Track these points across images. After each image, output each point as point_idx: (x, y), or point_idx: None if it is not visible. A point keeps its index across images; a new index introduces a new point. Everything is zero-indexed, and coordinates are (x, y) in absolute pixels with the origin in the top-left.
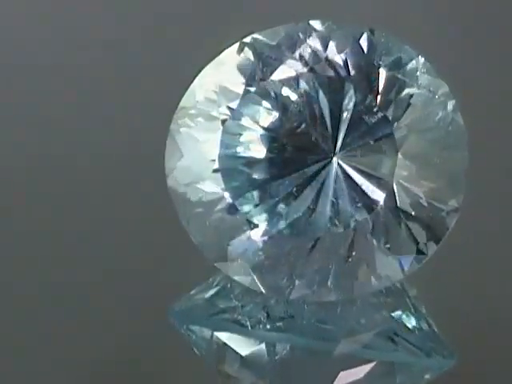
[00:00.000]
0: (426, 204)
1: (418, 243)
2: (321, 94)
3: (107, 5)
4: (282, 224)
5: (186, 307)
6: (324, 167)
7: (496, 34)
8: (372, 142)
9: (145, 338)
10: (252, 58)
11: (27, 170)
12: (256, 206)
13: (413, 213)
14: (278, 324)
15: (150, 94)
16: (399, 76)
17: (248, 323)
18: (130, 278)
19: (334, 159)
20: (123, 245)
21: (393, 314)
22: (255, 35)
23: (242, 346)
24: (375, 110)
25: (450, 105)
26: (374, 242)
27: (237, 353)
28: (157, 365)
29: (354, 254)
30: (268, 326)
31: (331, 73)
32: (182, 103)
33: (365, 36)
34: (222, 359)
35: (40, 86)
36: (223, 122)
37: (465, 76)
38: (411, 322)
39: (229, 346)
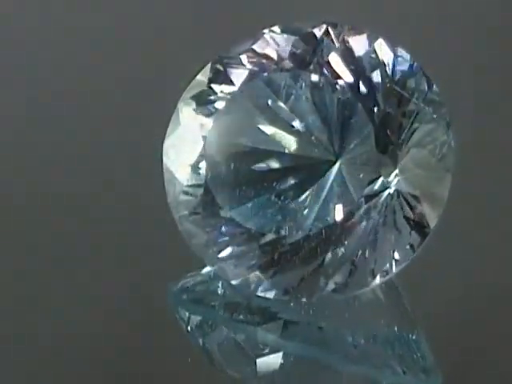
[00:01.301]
0: (408, 221)
1: (394, 257)
2: (328, 96)
3: (107, 5)
4: (257, 220)
5: (180, 288)
6: (322, 169)
7: (496, 34)
8: (372, 152)
9: (145, 337)
10: (265, 48)
11: (27, 170)
12: (236, 199)
13: (396, 227)
14: (251, 316)
15: (150, 93)
16: (401, 91)
17: (222, 310)
18: (130, 278)
19: (337, 164)
20: (123, 245)
21: (386, 329)
22: (275, 27)
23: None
24: (377, 120)
25: (447, 125)
26: (351, 250)
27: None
28: (157, 365)
29: (327, 259)
30: (241, 317)
31: (343, 78)
32: (195, 79)
33: (377, 45)
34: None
35: (40, 86)
36: (222, 105)
37: (464, 76)
38: (401, 341)
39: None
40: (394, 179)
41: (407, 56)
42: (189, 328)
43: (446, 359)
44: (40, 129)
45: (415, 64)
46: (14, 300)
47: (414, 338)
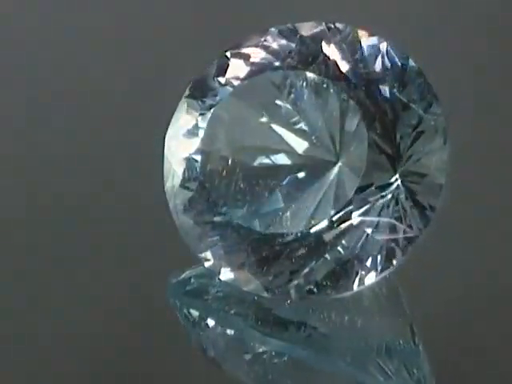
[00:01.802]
0: (395, 228)
1: (384, 260)
2: (332, 97)
3: (107, 5)
4: (243, 216)
5: (180, 280)
6: (322, 170)
7: (496, 34)
8: (372, 157)
9: (145, 337)
10: (271, 44)
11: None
12: (232, 195)
13: (389, 232)
14: (244, 311)
15: (150, 93)
16: (403, 98)
17: (215, 303)
18: (130, 278)
19: (337, 165)
20: (124, 245)
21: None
22: (283, 25)
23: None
24: (379, 125)
25: (444, 135)
26: (345, 251)
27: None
28: (157, 365)
29: (320, 260)
30: (232, 311)
31: (348, 79)
32: (200, 73)
33: (385, 49)
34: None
35: (40, 86)
36: (224, 99)
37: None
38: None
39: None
40: (393, 185)
41: (413, 63)
42: (183, 322)
43: (444, 361)
44: (40, 129)
45: (420, 72)
46: (14, 300)
47: (411, 346)
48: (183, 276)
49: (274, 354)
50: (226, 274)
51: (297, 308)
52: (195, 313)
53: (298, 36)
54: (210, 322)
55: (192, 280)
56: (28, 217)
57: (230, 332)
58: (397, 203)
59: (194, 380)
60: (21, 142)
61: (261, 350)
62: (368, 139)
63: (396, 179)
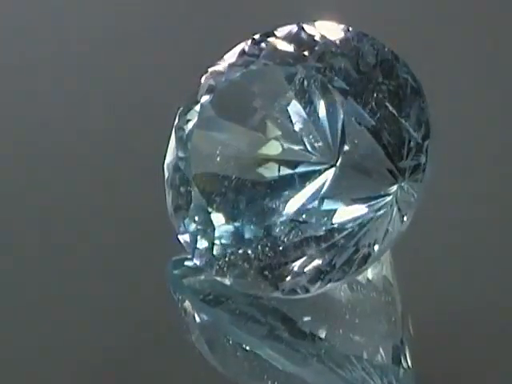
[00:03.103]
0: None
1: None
2: (337, 100)
3: (107, 4)
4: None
5: (180, 259)
6: (317, 171)
7: (496, 34)
8: (372, 167)
9: (145, 337)
10: (284, 41)
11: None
12: (218, 183)
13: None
14: (220, 296)
15: (150, 93)
16: (400, 117)
17: (195, 283)
18: (130, 277)
19: (332, 169)
20: (124, 244)
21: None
22: (303, 24)
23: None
24: (384, 139)
25: (426, 152)
26: (320, 254)
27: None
28: (157, 365)
29: (281, 263)
30: (211, 297)
31: (353, 84)
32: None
33: (390, 59)
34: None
35: (39, 85)
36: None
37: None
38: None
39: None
40: (388, 196)
41: (416, 79)
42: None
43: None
44: (39, 128)
45: (421, 89)
46: (13, 300)
47: (401, 366)
48: (183, 257)
49: (249, 347)
50: (199, 258)
51: (285, 304)
52: (181, 295)
53: (312, 35)
54: (191, 306)
55: (188, 262)
56: (27, 216)
57: (208, 318)
58: (387, 214)
59: (194, 380)
60: (20, 141)
61: (238, 341)
62: (370, 147)
63: (394, 190)
